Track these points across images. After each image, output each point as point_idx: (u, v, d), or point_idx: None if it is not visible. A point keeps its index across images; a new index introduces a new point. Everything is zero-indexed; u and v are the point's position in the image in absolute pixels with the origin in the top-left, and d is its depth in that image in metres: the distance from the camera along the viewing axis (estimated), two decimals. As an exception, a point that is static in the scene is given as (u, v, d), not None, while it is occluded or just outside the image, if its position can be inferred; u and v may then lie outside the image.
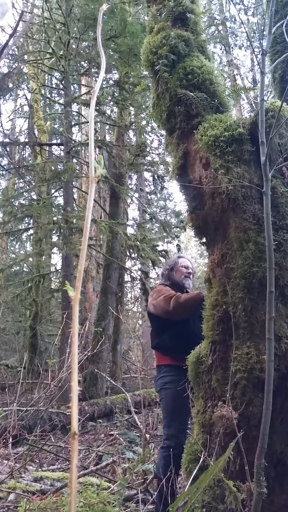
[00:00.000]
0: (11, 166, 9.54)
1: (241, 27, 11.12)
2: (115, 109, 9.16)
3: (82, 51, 7.70)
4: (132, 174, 10.80)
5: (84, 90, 10.32)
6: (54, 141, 10.77)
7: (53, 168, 8.18)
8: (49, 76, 10.92)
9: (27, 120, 11.88)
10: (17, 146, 10.02)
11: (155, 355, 2.93)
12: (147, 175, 11.23)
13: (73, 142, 7.64)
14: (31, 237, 9.86)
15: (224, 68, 11.32)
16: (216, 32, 11.86)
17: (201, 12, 2.78)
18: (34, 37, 8.80)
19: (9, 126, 13.53)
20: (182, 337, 2.59)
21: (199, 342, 2.12)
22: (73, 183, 8.34)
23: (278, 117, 1.84)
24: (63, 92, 8.19)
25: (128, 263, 10.25)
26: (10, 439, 4.09)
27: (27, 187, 10.51)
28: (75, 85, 10.58)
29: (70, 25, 7.24)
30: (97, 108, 7.72)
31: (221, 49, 11.97)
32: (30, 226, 8.77)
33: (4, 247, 12.78)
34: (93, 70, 7.92)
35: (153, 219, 9.86)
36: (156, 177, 10.12)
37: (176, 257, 3.12)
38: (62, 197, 8.36)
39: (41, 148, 9.39)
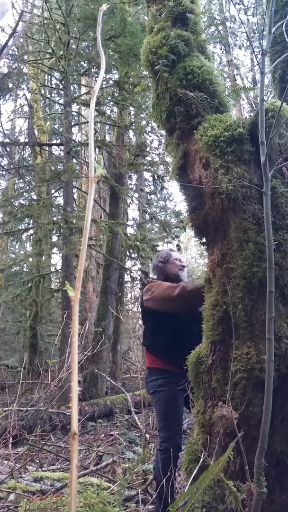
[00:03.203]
0: (11, 166, 9.55)
1: (241, 27, 11.13)
2: (115, 109, 9.15)
3: (82, 51, 7.70)
4: (132, 174, 10.80)
5: (84, 90, 10.32)
6: (54, 141, 10.77)
7: (53, 168, 8.18)
8: (49, 76, 10.92)
9: (27, 120, 11.88)
10: (17, 146, 10.02)
11: (146, 355, 2.83)
12: (147, 175, 11.23)
13: (73, 142, 7.64)
14: (31, 237, 9.85)
15: (224, 68, 11.32)
16: (216, 32, 11.86)
17: (201, 12, 2.78)
18: (34, 37, 8.80)
19: (9, 126, 13.53)
20: (176, 343, 2.55)
21: (194, 348, 2.11)
22: (73, 183, 8.33)
23: (278, 117, 1.84)
24: (63, 92, 8.19)
25: (128, 263, 10.25)
26: (10, 439, 4.09)
27: (27, 187, 10.51)
28: (75, 85, 10.58)
29: (70, 25, 7.24)
30: (97, 108, 7.72)
31: (221, 49, 11.98)
32: (30, 226, 8.77)
33: (4, 247, 12.77)
34: (93, 70, 7.92)
35: (153, 219, 9.85)
36: (156, 177, 10.11)
37: (168, 249, 2.97)
38: (62, 197, 8.36)
39: (41, 148, 9.39)
